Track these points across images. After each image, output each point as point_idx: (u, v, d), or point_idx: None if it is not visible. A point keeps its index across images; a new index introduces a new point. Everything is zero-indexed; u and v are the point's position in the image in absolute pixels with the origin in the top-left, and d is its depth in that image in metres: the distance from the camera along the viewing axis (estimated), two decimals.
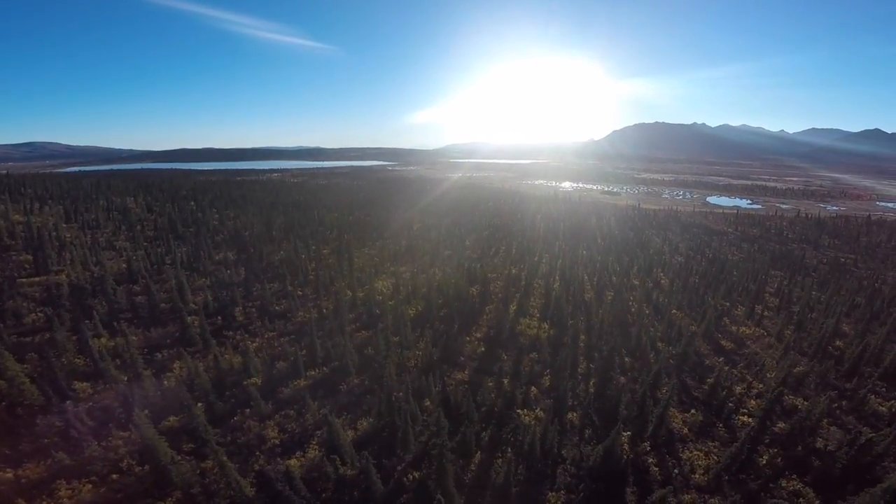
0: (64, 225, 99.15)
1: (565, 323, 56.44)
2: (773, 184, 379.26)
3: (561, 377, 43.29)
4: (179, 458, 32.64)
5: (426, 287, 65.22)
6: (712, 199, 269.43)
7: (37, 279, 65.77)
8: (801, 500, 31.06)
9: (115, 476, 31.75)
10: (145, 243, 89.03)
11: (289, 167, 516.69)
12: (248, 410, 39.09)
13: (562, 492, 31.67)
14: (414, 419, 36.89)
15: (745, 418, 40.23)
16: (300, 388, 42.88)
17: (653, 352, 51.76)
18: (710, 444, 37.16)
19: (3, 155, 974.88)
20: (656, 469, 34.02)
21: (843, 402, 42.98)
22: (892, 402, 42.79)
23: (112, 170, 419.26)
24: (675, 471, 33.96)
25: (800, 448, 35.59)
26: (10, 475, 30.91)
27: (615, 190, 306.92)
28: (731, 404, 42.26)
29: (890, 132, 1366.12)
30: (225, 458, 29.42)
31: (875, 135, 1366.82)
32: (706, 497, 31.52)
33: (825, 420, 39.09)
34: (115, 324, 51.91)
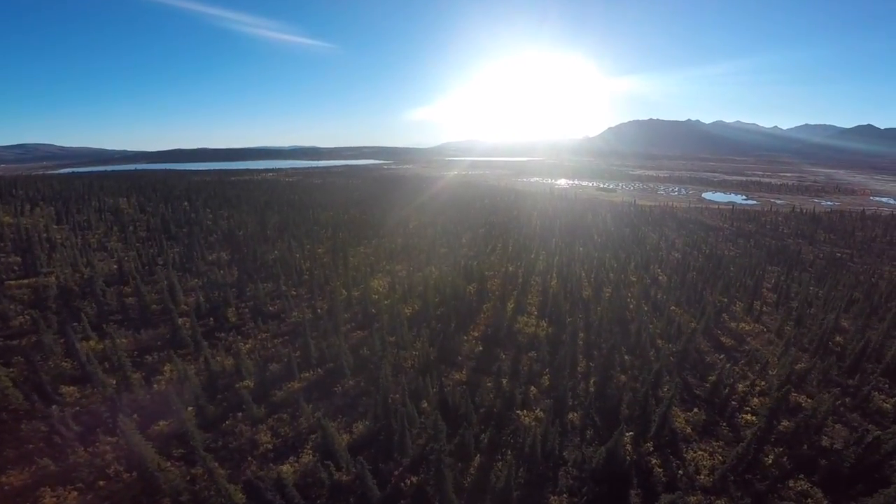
0: (55, 226, 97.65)
1: (564, 320, 55.62)
2: (767, 179, 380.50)
3: (560, 376, 42.53)
4: (169, 464, 31.63)
5: (422, 285, 64.13)
6: (707, 195, 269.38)
7: (25, 281, 64.49)
8: (809, 500, 30.30)
9: (101, 483, 30.65)
10: (137, 244, 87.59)
11: (284, 167, 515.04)
12: (240, 414, 37.96)
13: (564, 495, 30.82)
14: (411, 422, 35.94)
15: (748, 417, 39.50)
16: (294, 390, 41.78)
17: (653, 349, 50.93)
18: (714, 443, 36.40)
19: None
20: (660, 470, 33.21)
21: (847, 400, 42.28)
22: None
23: (105, 171, 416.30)
24: (680, 472, 33.17)
25: (806, 447, 34.92)
26: None
27: (611, 187, 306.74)
28: (734, 402, 41.64)
29: (882, 128, 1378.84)
30: (214, 465, 28.43)
31: (867, 131, 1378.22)
32: (712, 499, 30.75)
33: (830, 418, 38.48)
34: (104, 326, 50.75)
